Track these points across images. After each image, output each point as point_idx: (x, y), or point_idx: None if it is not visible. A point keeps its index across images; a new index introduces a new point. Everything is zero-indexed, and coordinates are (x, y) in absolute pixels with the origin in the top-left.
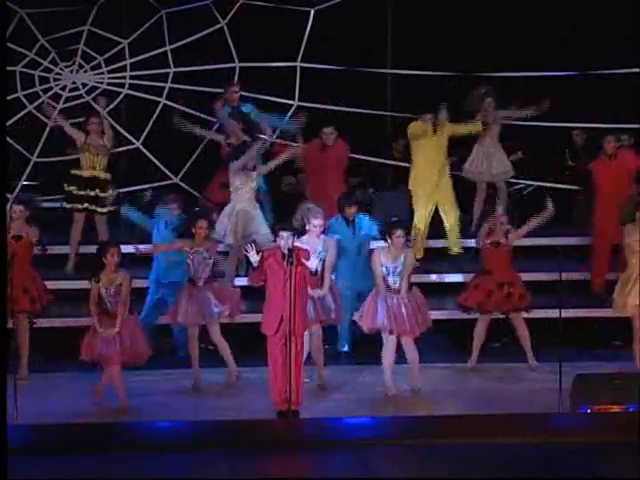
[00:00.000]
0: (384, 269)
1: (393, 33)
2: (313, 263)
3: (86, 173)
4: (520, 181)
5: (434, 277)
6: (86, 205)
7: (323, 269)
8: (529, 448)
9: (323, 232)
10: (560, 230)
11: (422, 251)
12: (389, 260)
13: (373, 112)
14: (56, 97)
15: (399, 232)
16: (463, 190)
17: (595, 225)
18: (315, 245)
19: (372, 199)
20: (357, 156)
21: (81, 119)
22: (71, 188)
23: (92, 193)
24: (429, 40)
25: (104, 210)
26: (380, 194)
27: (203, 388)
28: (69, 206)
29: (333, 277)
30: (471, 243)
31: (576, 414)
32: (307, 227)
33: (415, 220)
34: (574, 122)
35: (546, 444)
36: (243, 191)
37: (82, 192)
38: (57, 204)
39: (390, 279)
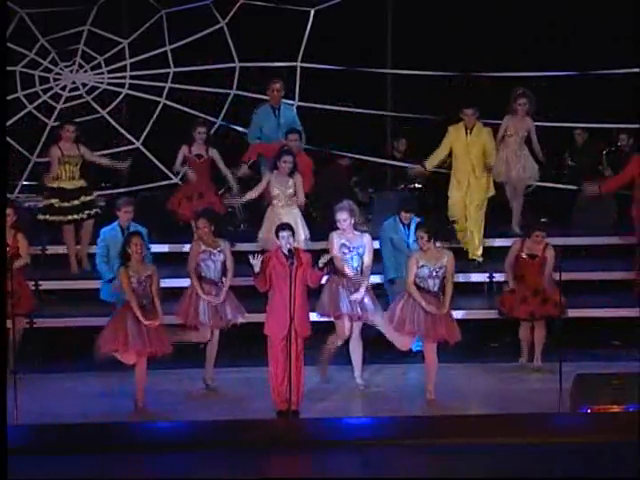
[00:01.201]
0: (425, 270)
1: (393, 33)
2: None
3: (68, 185)
4: None
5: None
6: (69, 217)
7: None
8: (529, 448)
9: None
10: (560, 230)
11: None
12: (429, 262)
13: (373, 112)
14: (56, 97)
15: (419, 233)
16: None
17: None
18: (352, 241)
19: (372, 199)
20: (357, 156)
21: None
22: (53, 201)
23: (76, 202)
24: (429, 40)
25: (87, 216)
26: (380, 194)
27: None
28: (52, 219)
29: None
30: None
31: (576, 414)
32: (338, 223)
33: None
34: (574, 122)
35: (546, 444)
36: (279, 197)
37: (66, 204)
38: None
39: (430, 282)
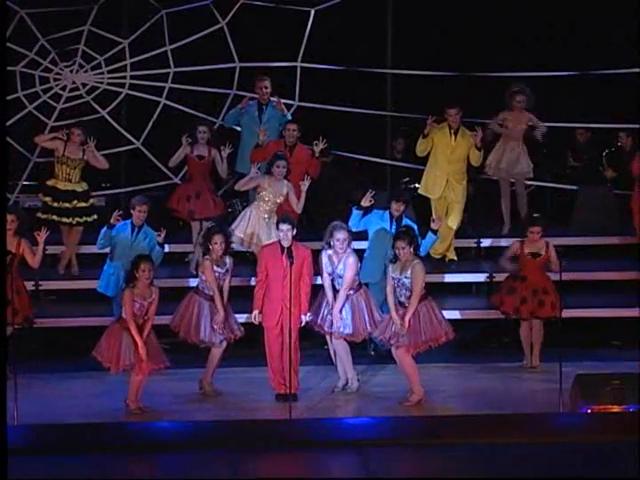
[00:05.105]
0: (394, 282)
1: (393, 33)
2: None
3: (62, 186)
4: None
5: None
6: (63, 219)
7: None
8: (529, 448)
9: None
10: (560, 230)
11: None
12: (396, 272)
13: (373, 112)
14: (56, 97)
15: (399, 243)
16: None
17: None
18: (338, 263)
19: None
20: (357, 156)
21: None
22: (47, 199)
23: (67, 205)
24: (429, 40)
25: (76, 221)
26: (380, 194)
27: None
28: (44, 217)
29: None
30: (471, 243)
31: (576, 414)
32: (331, 242)
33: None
34: (574, 122)
35: (546, 444)
36: (268, 201)
37: (55, 204)
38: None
39: (397, 291)
